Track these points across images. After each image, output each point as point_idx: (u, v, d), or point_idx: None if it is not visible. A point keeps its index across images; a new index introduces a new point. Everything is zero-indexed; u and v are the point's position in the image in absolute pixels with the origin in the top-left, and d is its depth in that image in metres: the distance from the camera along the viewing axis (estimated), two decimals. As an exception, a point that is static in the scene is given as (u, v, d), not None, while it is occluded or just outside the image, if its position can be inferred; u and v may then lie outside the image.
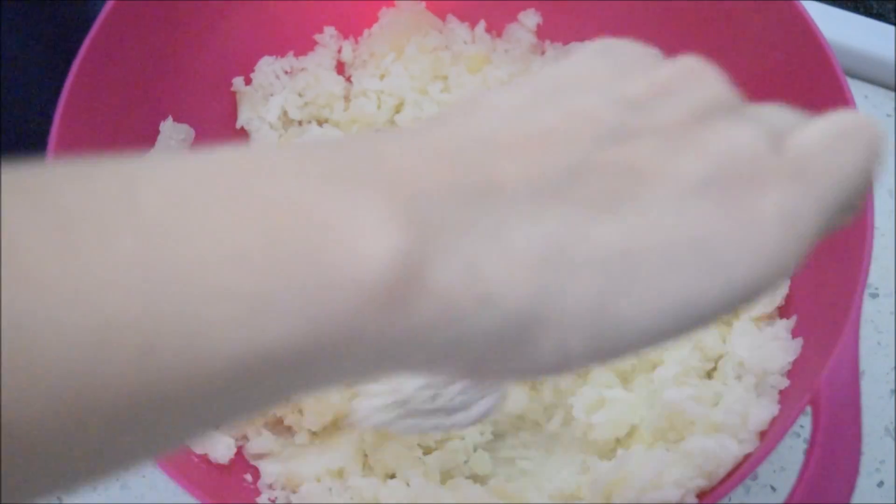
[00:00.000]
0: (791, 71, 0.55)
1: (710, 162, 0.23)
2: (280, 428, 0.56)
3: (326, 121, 0.65)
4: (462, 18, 0.66)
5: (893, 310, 0.63)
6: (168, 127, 0.58)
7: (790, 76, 0.55)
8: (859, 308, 0.45)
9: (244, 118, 0.63)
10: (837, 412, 0.43)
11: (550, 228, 0.21)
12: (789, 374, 0.51)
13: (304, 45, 0.66)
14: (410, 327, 0.19)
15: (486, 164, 0.21)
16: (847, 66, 0.61)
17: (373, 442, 0.54)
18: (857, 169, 0.25)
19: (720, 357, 0.56)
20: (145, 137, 0.58)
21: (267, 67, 0.64)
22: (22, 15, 0.62)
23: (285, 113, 0.64)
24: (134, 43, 0.56)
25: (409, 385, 0.42)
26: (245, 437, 0.55)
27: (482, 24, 0.66)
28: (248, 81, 0.64)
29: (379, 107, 0.64)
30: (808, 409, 0.44)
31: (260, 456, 0.54)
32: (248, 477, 0.53)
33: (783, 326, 0.53)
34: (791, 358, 0.51)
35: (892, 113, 0.70)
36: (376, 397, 0.43)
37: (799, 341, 0.51)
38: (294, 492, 0.52)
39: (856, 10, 0.72)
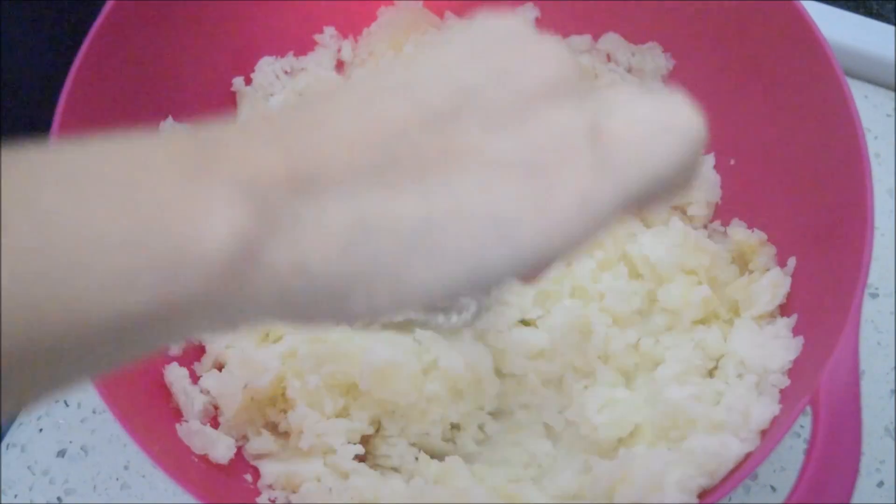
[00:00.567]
0: (791, 71, 0.55)
1: (522, 144, 0.26)
2: (279, 431, 0.56)
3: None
4: (460, 15, 0.66)
5: (893, 310, 0.63)
6: (168, 127, 0.58)
7: (790, 76, 0.55)
8: (859, 308, 0.45)
9: (244, 118, 0.63)
10: (837, 412, 0.43)
11: (360, 206, 0.24)
12: (790, 373, 0.51)
13: (304, 45, 0.66)
14: (248, 295, 0.24)
15: (318, 152, 0.24)
16: (847, 66, 0.61)
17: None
18: (668, 162, 0.28)
19: (721, 356, 0.56)
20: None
21: (267, 67, 0.64)
22: (23, 14, 0.62)
23: None
24: (134, 42, 0.56)
25: None
26: (245, 438, 0.55)
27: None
28: (248, 81, 0.64)
29: None
30: (809, 408, 0.44)
31: (260, 456, 0.54)
32: (248, 477, 0.53)
33: (784, 325, 0.53)
34: (792, 356, 0.51)
35: (892, 113, 0.70)
36: None
37: (800, 340, 0.51)
38: (294, 492, 0.52)
39: (856, 10, 0.72)
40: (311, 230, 0.24)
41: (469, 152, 0.25)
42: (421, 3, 0.66)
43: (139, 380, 0.53)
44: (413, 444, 0.56)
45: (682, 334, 0.57)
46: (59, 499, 0.59)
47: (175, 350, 0.56)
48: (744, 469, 0.45)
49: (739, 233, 0.58)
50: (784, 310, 0.55)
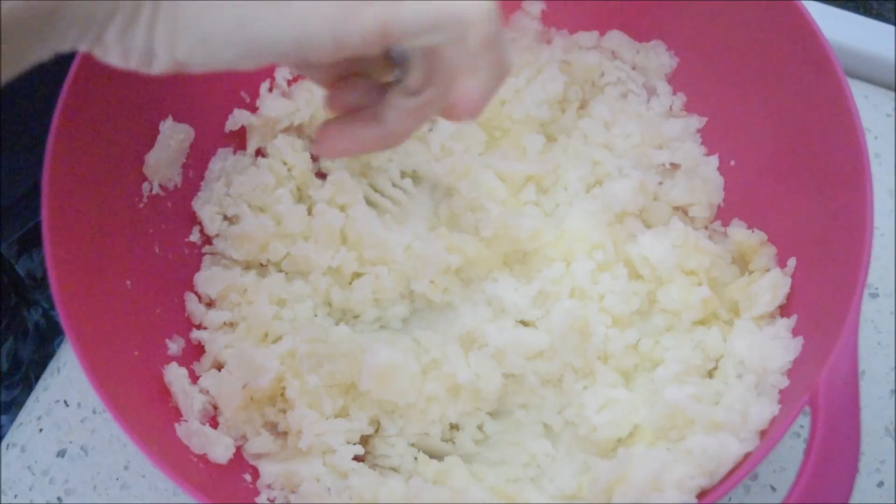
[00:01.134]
0: (791, 71, 0.55)
1: None
2: (278, 431, 0.56)
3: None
4: None
5: (893, 310, 0.63)
6: (168, 126, 0.58)
7: (791, 76, 0.55)
8: (858, 308, 0.45)
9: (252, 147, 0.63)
10: (836, 412, 0.43)
11: None
12: (789, 373, 0.51)
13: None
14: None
15: None
16: (847, 66, 0.61)
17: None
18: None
19: (721, 357, 0.56)
20: (145, 137, 0.58)
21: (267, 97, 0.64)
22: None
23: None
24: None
25: None
26: (244, 438, 0.55)
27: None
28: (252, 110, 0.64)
29: None
30: (809, 409, 0.44)
31: (259, 456, 0.54)
32: (247, 476, 0.53)
33: (784, 325, 0.53)
34: (791, 357, 0.51)
35: (892, 113, 0.70)
36: None
37: (799, 340, 0.51)
38: (293, 492, 0.52)
39: (856, 10, 0.72)
40: None
41: None
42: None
43: (138, 380, 0.53)
44: (412, 445, 0.56)
45: (681, 335, 0.57)
46: (59, 499, 0.59)
47: (174, 349, 0.56)
48: (743, 469, 0.45)
49: (740, 233, 0.58)
50: (784, 310, 0.55)
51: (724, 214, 0.61)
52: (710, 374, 0.56)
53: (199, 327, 0.58)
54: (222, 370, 0.55)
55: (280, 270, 0.61)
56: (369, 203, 0.62)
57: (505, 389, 0.57)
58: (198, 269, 0.60)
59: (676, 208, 0.62)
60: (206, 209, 0.60)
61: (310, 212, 0.61)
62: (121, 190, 0.56)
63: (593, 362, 0.56)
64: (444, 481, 0.53)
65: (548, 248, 0.59)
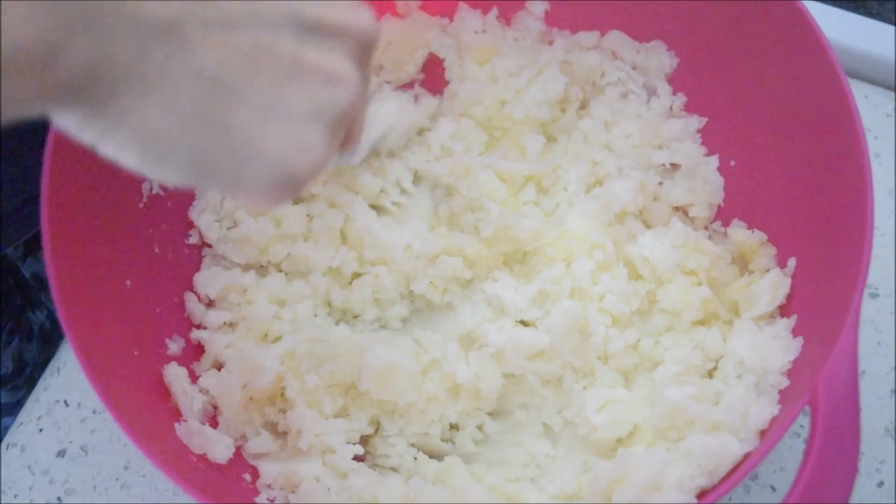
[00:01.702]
0: (791, 71, 0.55)
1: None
2: (278, 431, 0.56)
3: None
4: (473, 7, 0.66)
5: (893, 310, 0.63)
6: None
7: (791, 76, 0.55)
8: (858, 308, 0.45)
9: None
10: (836, 412, 0.43)
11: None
12: (789, 373, 0.51)
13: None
14: (45, 88, 0.29)
15: None
16: (847, 66, 0.61)
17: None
18: None
19: (721, 357, 0.56)
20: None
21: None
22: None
23: None
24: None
25: None
26: (244, 438, 0.55)
27: (494, 12, 0.66)
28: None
29: None
30: (809, 409, 0.44)
31: (258, 456, 0.54)
32: (247, 476, 0.53)
33: (783, 326, 0.53)
34: (791, 357, 0.51)
35: (892, 113, 0.70)
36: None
37: (799, 340, 0.51)
38: (292, 491, 0.52)
39: (856, 10, 0.72)
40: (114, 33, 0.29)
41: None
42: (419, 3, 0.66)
43: (138, 379, 0.53)
44: (412, 445, 0.56)
45: (681, 335, 0.57)
46: (59, 499, 0.59)
47: (173, 349, 0.56)
48: (742, 469, 0.45)
49: (740, 233, 0.58)
50: (784, 310, 0.55)
51: (724, 215, 0.61)
52: (710, 375, 0.56)
53: (198, 327, 0.58)
54: (222, 370, 0.55)
55: (280, 271, 0.61)
56: (369, 203, 0.62)
57: (505, 389, 0.56)
58: (198, 268, 0.61)
59: (677, 208, 0.62)
60: (204, 218, 0.60)
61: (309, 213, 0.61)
62: (121, 190, 0.56)
63: (593, 362, 0.56)
64: (444, 481, 0.53)
65: (548, 248, 0.59)
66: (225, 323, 0.58)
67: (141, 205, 0.57)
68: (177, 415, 0.53)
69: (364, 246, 0.59)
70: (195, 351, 0.57)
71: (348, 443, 0.54)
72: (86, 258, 0.51)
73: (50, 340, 0.77)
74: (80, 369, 0.47)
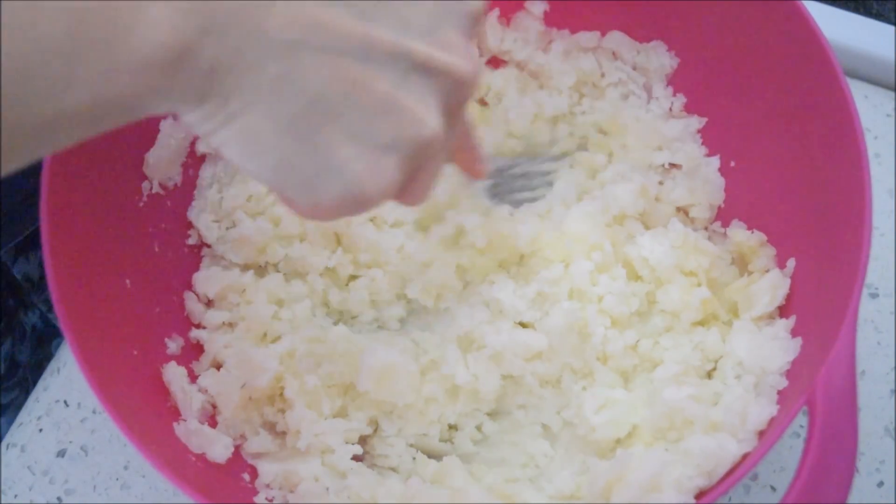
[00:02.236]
0: (791, 71, 0.55)
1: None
2: (276, 431, 0.56)
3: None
4: None
5: (893, 310, 0.63)
6: (169, 125, 0.58)
7: (791, 76, 0.55)
8: (856, 308, 0.45)
9: None
10: (834, 412, 0.43)
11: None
12: (788, 373, 0.50)
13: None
14: (186, 84, 0.32)
15: None
16: (847, 66, 0.61)
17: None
18: None
19: (720, 357, 0.56)
20: (146, 135, 0.58)
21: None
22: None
23: None
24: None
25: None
26: (243, 437, 0.55)
27: (495, 12, 0.66)
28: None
29: None
30: (807, 408, 0.44)
31: (258, 455, 0.54)
32: (246, 476, 0.53)
33: (782, 326, 0.53)
34: (790, 358, 0.51)
35: (892, 113, 0.70)
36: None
37: (798, 341, 0.51)
38: (291, 491, 0.52)
39: (856, 10, 0.72)
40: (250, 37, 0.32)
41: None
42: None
43: (137, 379, 0.53)
44: (411, 445, 0.56)
45: (680, 336, 0.57)
46: (59, 499, 0.59)
47: (173, 348, 0.56)
48: (741, 469, 0.45)
49: (739, 234, 0.58)
50: (783, 311, 0.55)
51: (724, 215, 0.61)
52: (709, 375, 0.56)
53: (198, 326, 0.58)
54: (221, 370, 0.55)
55: (278, 271, 0.61)
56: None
57: (503, 390, 0.56)
58: (197, 268, 0.61)
59: (678, 209, 0.62)
60: (202, 218, 0.60)
61: None
62: (121, 188, 0.56)
63: (592, 363, 0.56)
64: (443, 481, 0.53)
65: (546, 250, 0.59)
66: (224, 323, 0.58)
67: (141, 204, 0.58)
68: (176, 414, 0.53)
69: (358, 248, 0.59)
70: (195, 350, 0.57)
71: (347, 443, 0.54)
72: (85, 257, 0.51)
73: (43, 342, 0.77)
74: (79, 369, 0.47)
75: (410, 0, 0.35)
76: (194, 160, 0.61)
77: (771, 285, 0.55)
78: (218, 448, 0.52)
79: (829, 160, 0.52)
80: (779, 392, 0.50)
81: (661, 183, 0.62)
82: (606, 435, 0.54)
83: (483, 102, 0.66)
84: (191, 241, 0.61)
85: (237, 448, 0.54)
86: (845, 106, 0.50)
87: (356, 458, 0.54)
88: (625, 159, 0.63)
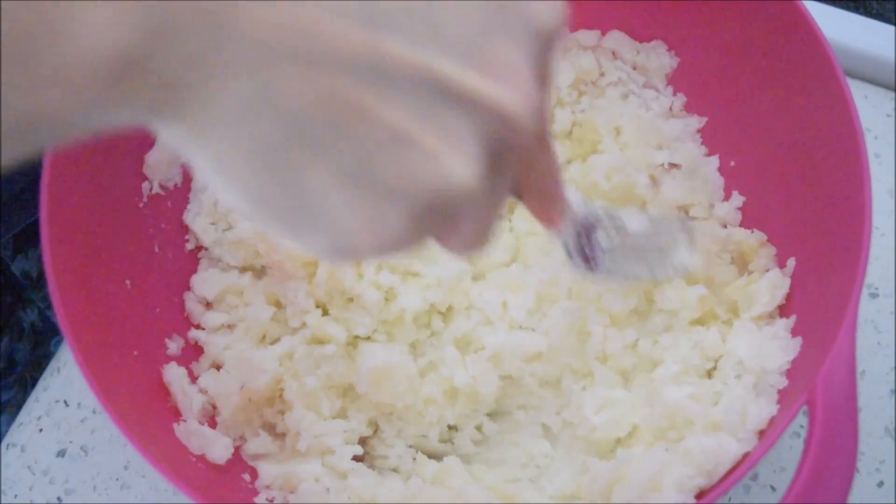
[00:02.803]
0: (791, 71, 0.55)
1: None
2: (276, 433, 0.56)
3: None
4: None
5: (893, 310, 0.63)
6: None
7: (790, 76, 0.55)
8: (856, 308, 0.45)
9: None
10: (834, 411, 0.43)
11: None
12: (788, 373, 0.51)
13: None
14: (133, 99, 0.25)
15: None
16: (847, 66, 0.61)
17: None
18: None
19: (720, 357, 0.55)
20: (146, 136, 0.58)
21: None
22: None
23: None
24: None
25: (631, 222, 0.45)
26: (242, 438, 0.55)
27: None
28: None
29: None
30: (807, 408, 0.44)
31: (257, 457, 0.54)
32: (246, 476, 0.53)
33: (782, 326, 0.53)
34: (790, 357, 0.51)
35: (892, 113, 0.70)
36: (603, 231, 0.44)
37: (798, 340, 0.51)
38: (292, 492, 0.52)
39: (856, 10, 0.72)
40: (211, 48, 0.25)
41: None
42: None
43: (137, 379, 0.53)
44: (410, 446, 0.56)
45: (680, 335, 0.57)
46: (59, 499, 0.59)
47: (173, 348, 0.56)
48: (741, 469, 0.45)
49: (739, 233, 0.58)
50: (783, 310, 0.55)
51: (724, 215, 0.61)
52: (709, 375, 0.56)
53: (198, 327, 0.58)
54: (221, 371, 0.55)
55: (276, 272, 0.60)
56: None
57: (503, 391, 0.56)
58: (197, 269, 0.60)
59: (679, 208, 0.62)
60: (198, 221, 0.60)
61: None
62: (121, 189, 0.56)
63: (591, 363, 0.56)
64: (444, 482, 0.53)
65: (540, 253, 0.59)
66: (223, 324, 0.58)
67: (141, 204, 0.58)
68: (176, 415, 0.53)
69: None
70: (195, 351, 0.57)
71: (347, 444, 0.54)
72: (85, 258, 0.51)
73: (41, 339, 0.77)
74: (79, 369, 0.46)
75: (452, 0, 0.26)
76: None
77: (771, 285, 0.55)
78: (217, 449, 0.52)
79: (829, 160, 0.52)
80: (779, 392, 0.50)
81: (652, 176, 0.62)
82: (607, 435, 0.54)
83: None
84: (189, 247, 0.60)
85: (237, 449, 0.54)
86: (845, 106, 0.50)
87: (356, 458, 0.54)
88: (624, 158, 0.63)
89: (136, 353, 0.53)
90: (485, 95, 0.26)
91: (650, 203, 0.61)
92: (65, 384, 0.63)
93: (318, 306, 0.58)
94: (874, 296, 0.64)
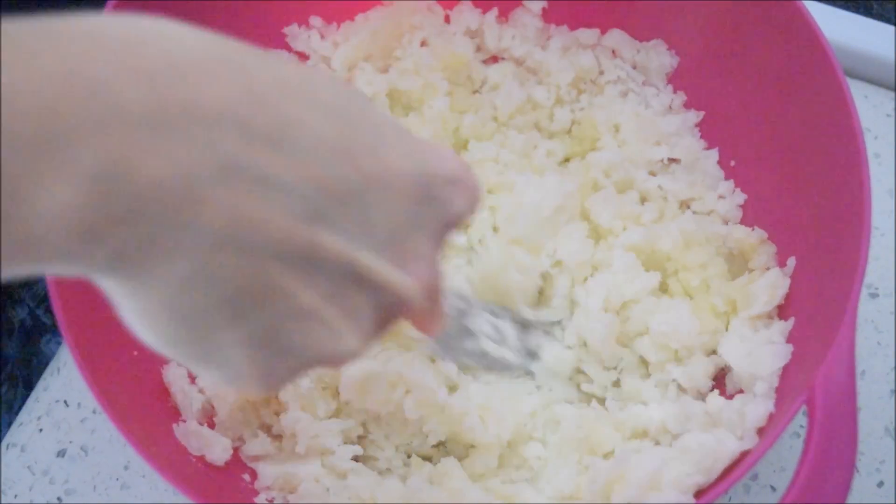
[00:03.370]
0: (791, 71, 0.55)
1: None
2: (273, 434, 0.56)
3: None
4: (476, 5, 0.66)
5: (893, 310, 0.63)
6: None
7: (790, 76, 0.55)
8: (855, 307, 0.45)
9: None
10: (833, 411, 0.43)
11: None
12: (787, 372, 0.50)
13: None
14: (84, 263, 0.26)
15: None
16: (847, 66, 0.61)
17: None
18: None
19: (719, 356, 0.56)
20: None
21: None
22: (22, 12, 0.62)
23: None
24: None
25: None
26: (241, 440, 0.55)
27: (494, 12, 0.66)
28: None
29: None
30: (806, 408, 0.44)
31: (257, 458, 0.54)
32: (247, 477, 0.53)
33: (778, 329, 0.53)
34: (789, 357, 0.51)
35: (892, 113, 0.70)
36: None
37: (797, 341, 0.51)
38: (292, 492, 0.52)
39: (856, 10, 0.72)
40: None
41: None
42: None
43: (138, 380, 0.53)
44: (401, 449, 0.56)
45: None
46: (59, 499, 0.59)
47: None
48: (741, 468, 0.45)
49: (739, 231, 0.58)
50: (782, 309, 0.55)
51: (723, 214, 0.61)
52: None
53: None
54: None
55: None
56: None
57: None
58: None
59: (681, 205, 0.62)
60: None
61: None
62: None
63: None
64: (442, 482, 0.53)
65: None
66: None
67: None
68: (176, 415, 0.53)
69: None
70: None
71: (346, 443, 0.54)
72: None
73: (31, 337, 0.77)
74: (78, 370, 0.46)
75: (390, 195, 0.30)
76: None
77: (770, 284, 0.55)
78: (217, 450, 0.52)
79: (828, 160, 0.52)
80: (778, 391, 0.50)
81: (652, 173, 0.62)
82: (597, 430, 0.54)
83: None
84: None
85: (236, 450, 0.54)
86: (845, 106, 0.50)
87: (357, 458, 0.54)
88: (623, 154, 0.63)
89: (135, 352, 0.53)
90: (391, 283, 0.31)
91: (650, 200, 0.61)
92: (65, 384, 0.63)
93: None
94: (874, 296, 0.64)
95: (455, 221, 0.33)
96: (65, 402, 0.62)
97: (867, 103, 0.70)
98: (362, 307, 0.31)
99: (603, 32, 0.65)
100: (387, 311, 0.32)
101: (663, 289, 0.58)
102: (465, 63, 0.65)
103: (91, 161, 0.24)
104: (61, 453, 0.61)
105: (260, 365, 0.30)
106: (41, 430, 0.61)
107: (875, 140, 0.68)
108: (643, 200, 0.61)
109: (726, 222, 0.60)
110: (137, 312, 0.29)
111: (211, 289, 0.27)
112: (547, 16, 0.66)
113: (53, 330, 0.73)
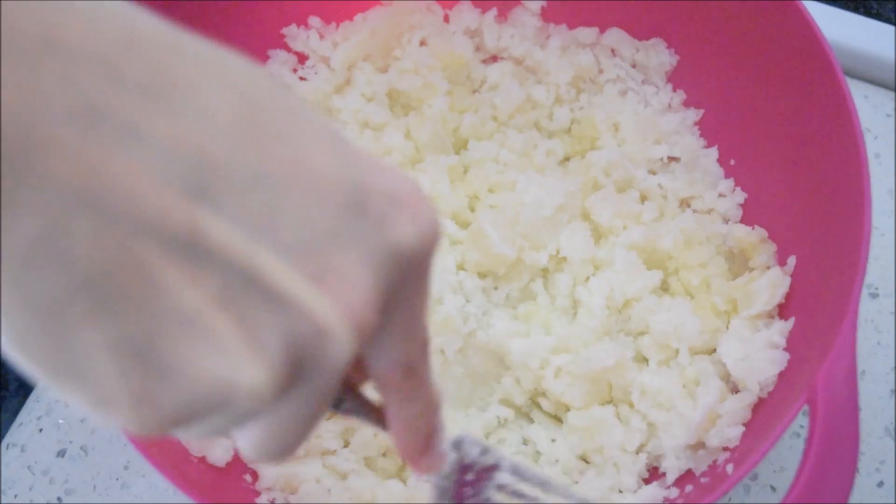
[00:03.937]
0: (791, 71, 0.55)
1: None
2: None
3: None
4: (475, 5, 0.66)
5: (893, 310, 0.63)
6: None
7: (790, 76, 0.55)
8: (856, 306, 0.45)
9: None
10: (834, 411, 0.43)
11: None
12: (788, 371, 0.50)
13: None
14: None
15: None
16: (847, 66, 0.61)
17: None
18: None
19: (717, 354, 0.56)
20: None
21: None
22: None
23: None
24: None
25: None
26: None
27: (493, 12, 0.66)
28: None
29: None
30: (808, 407, 0.44)
31: (256, 459, 0.54)
32: (248, 477, 0.53)
33: (778, 330, 0.53)
34: (778, 370, 0.51)
35: (892, 113, 0.70)
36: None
37: (786, 355, 0.51)
38: (293, 493, 0.52)
39: (856, 10, 0.72)
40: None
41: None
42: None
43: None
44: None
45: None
46: (59, 499, 0.59)
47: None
48: (742, 468, 0.45)
49: (739, 230, 0.58)
50: (782, 308, 0.55)
51: (723, 213, 0.61)
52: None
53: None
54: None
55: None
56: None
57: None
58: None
59: (682, 202, 0.62)
60: None
61: None
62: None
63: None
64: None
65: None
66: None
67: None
68: (177, 415, 0.53)
69: None
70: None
71: (346, 445, 0.54)
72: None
73: None
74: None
75: (308, 196, 0.24)
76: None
77: (770, 283, 0.55)
78: (217, 451, 0.52)
79: (828, 160, 0.52)
80: (778, 390, 0.50)
81: (652, 172, 0.62)
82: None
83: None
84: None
85: (237, 451, 0.54)
86: (845, 106, 0.50)
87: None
88: (622, 153, 0.63)
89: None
90: (301, 300, 0.24)
91: (650, 199, 0.61)
92: (65, 384, 0.62)
93: None
94: (874, 296, 0.64)
95: (401, 252, 0.26)
96: (65, 401, 0.62)
97: (867, 103, 0.70)
98: (265, 327, 0.24)
99: (602, 31, 0.65)
100: (301, 346, 0.24)
101: (664, 287, 0.58)
102: (464, 62, 0.65)
103: None
104: (61, 453, 0.61)
105: (132, 384, 0.23)
106: (41, 430, 0.61)
107: (875, 140, 0.68)
108: (643, 199, 0.61)
109: (726, 221, 0.60)
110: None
111: (65, 265, 0.22)
112: (546, 15, 0.66)
113: (53, 330, 0.72)
